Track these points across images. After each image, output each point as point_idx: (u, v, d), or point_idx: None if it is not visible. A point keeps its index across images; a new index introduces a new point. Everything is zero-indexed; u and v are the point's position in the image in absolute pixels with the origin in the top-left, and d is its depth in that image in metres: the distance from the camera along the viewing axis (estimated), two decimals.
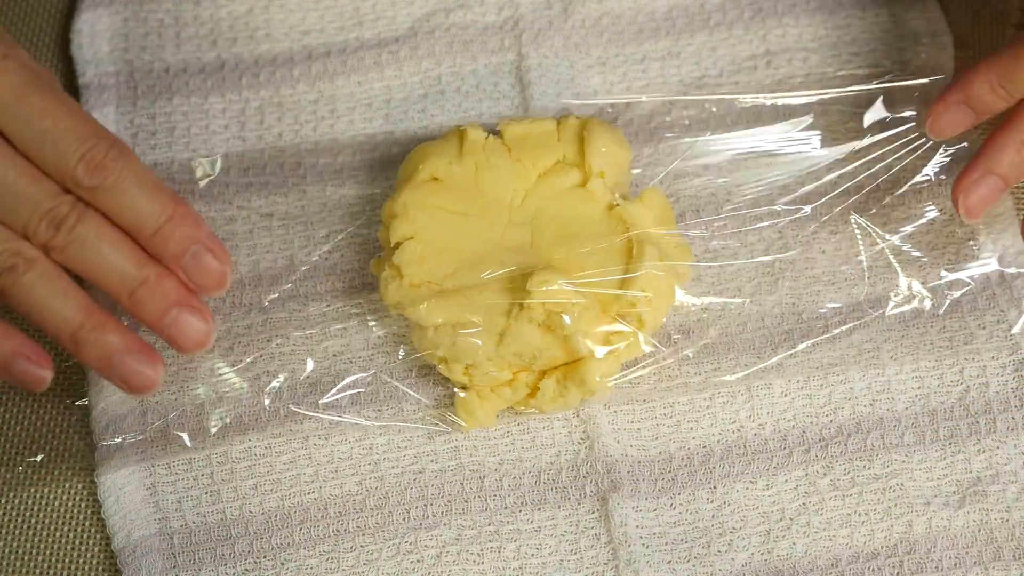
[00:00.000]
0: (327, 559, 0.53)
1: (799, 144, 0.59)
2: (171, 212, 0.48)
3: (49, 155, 0.47)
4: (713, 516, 0.53)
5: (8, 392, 0.57)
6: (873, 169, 0.58)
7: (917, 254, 0.57)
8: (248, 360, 0.56)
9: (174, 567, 0.53)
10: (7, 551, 0.54)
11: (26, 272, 0.47)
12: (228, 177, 0.60)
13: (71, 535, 0.54)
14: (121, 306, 0.49)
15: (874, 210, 0.58)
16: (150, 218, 0.48)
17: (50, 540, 0.54)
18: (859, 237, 0.57)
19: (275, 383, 0.55)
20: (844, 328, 0.55)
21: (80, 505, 0.55)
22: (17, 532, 0.54)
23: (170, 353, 0.56)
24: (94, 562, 0.54)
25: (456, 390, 0.54)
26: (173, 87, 0.62)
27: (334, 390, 0.55)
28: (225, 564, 0.53)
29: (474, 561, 0.52)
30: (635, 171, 0.59)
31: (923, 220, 0.57)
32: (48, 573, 0.54)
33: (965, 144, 0.58)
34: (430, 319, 0.53)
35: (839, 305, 0.56)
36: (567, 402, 0.54)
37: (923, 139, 0.58)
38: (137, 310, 0.49)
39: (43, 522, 0.55)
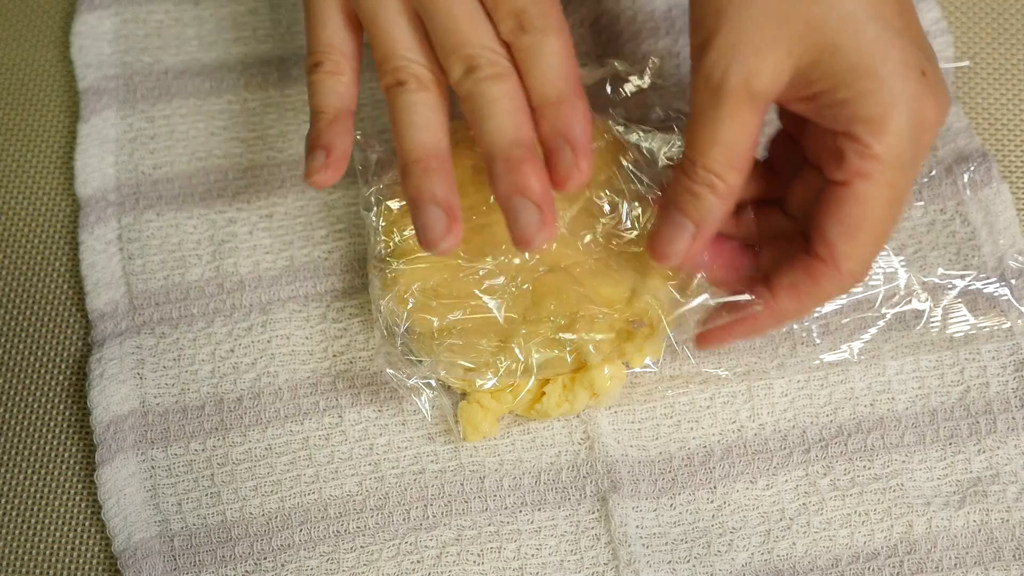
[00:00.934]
0: (327, 560, 0.52)
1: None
2: (559, 97, 0.48)
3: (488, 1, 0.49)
4: (713, 516, 0.53)
5: (8, 392, 0.57)
6: None
7: (918, 253, 0.57)
8: (248, 361, 0.56)
9: (175, 569, 0.53)
10: (7, 552, 0.54)
11: (414, 91, 0.49)
12: (228, 177, 0.60)
13: (71, 536, 0.54)
14: (487, 168, 0.49)
15: None
16: (537, 93, 0.49)
17: (50, 541, 0.54)
18: None
19: (276, 384, 0.55)
20: (844, 328, 0.55)
21: (80, 506, 0.54)
22: (17, 533, 0.54)
23: (168, 358, 0.56)
24: (94, 562, 0.54)
25: (459, 398, 0.54)
26: (173, 89, 0.61)
27: (335, 392, 0.55)
28: (226, 566, 0.52)
29: (474, 562, 0.52)
30: None
31: (924, 220, 0.57)
32: (48, 574, 0.53)
33: (977, 146, 0.58)
34: (428, 324, 0.52)
35: (840, 304, 0.55)
36: (573, 407, 0.54)
37: None
38: (493, 179, 0.49)
39: (43, 523, 0.54)
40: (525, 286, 0.53)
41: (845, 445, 0.54)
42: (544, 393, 0.54)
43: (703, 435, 0.54)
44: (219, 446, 0.55)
